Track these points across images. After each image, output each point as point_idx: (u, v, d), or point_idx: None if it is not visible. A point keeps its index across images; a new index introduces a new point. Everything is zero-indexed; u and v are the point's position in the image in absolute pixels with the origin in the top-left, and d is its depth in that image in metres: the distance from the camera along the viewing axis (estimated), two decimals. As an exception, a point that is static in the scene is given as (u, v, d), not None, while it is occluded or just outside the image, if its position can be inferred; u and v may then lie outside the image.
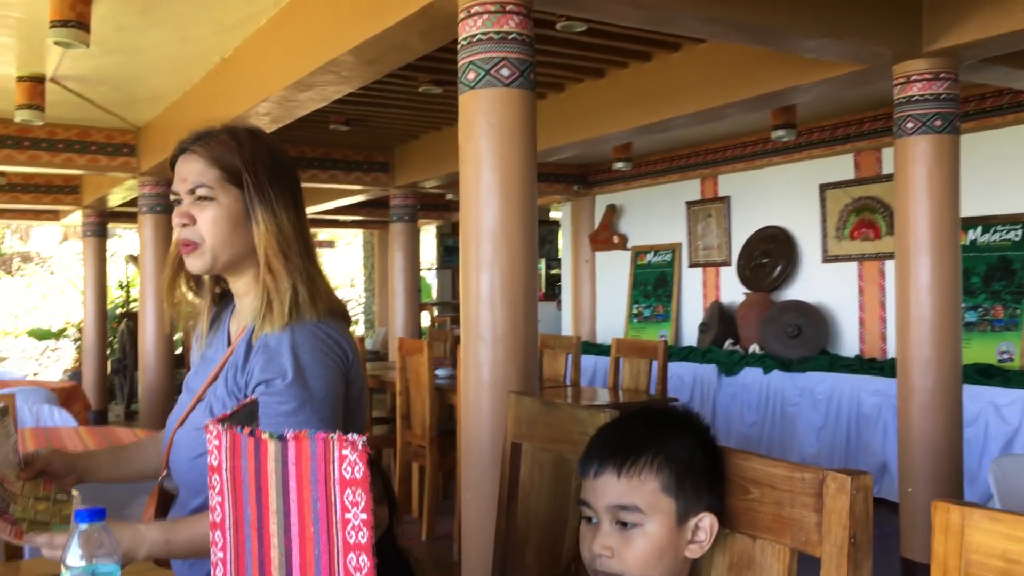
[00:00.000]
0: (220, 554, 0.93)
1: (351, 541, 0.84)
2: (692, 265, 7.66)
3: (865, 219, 6.29)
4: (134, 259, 10.59)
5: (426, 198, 9.74)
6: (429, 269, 13.05)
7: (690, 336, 7.54)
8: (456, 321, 11.02)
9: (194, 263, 1.44)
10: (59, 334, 13.19)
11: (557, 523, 1.79)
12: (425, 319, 11.53)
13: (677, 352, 6.87)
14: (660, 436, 1.22)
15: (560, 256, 10.88)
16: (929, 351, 3.91)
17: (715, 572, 1.25)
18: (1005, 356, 5.38)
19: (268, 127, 4.96)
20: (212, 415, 1.41)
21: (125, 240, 15.66)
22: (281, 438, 0.87)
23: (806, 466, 1.13)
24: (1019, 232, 5.43)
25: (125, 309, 10.86)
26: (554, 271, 11.56)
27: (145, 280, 6.76)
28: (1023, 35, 3.46)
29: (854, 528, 1.06)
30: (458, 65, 2.84)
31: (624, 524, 1.18)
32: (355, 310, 14.43)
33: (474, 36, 2.76)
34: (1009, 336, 5.39)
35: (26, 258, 18.91)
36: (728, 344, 6.80)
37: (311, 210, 9.65)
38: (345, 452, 0.83)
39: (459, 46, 2.83)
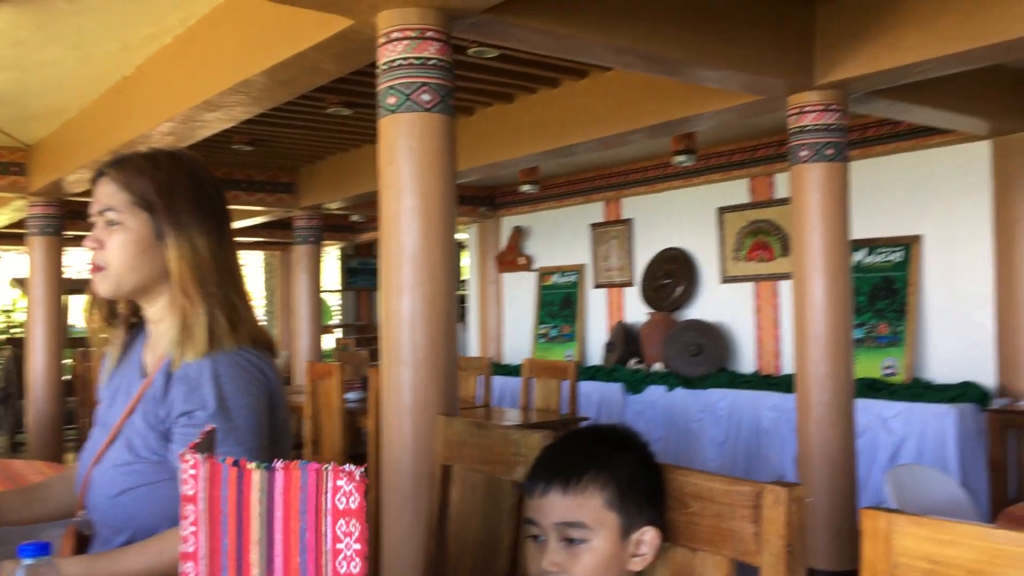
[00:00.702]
0: (190, 586, 0.92)
1: (342, 571, 0.85)
2: (597, 286, 7.83)
3: (760, 241, 6.57)
4: (20, 282, 10.07)
5: (330, 219, 9.63)
6: (332, 291, 12.88)
7: (595, 355, 7.69)
8: (361, 343, 10.90)
9: (98, 286, 1.42)
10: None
11: (491, 544, 1.82)
12: (327, 342, 11.36)
13: (584, 371, 6.99)
14: (603, 454, 1.27)
15: (465, 278, 10.91)
16: (825, 367, 4.12)
17: (657, 585, 1.30)
18: (890, 371, 5.70)
19: (172, 147, 4.84)
20: (131, 450, 1.37)
21: (6, 262, 14.85)
22: (268, 468, 0.87)
23: (744, 480, 1.19)
24: (901, 254, 5.78)
25: (8, 335, 10.30)
26: (459, 292, 11.58)
27: (34, 305, 6.45)
28: (905, 71, 3.71)
29: (790, 537, 1.13)
30: (378, 89, 2.86)
31: (571, 540, 1.22)
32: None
33: (394, 61, 2.79)
34: (893, 352, 5.72)
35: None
36: (633, 363, 6.97)
37: (210, 231, 9.39)
38: (340, 483, 0.84)
39: (379, 71, 2.85)
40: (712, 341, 6.48)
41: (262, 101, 3.91)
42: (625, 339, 7.12)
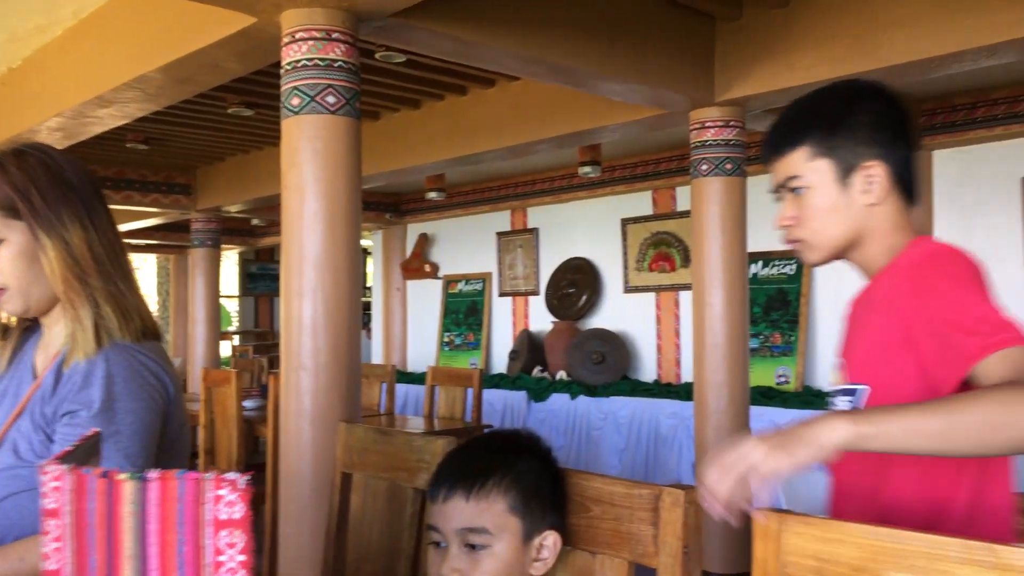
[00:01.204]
0: (55, 604, 0.87)
1: None
2: (502, 294, 7.85)
3: (662, 252, 6.72)
4: None
5: (229, 223, 9.37)
6: (230, 297, 12.53)
7: (500, 364, 7.71)
8: (260, 350, 10.63)
9: (7, 308, 1.35)
10: None
11: (391, 551, 1.79)
12: (225, 348, 11.04)
13: (488, 379, 6.99)
14: (507, 460, 1.26)
15: (370, 284, 10.79)
16: (722, 375, 4.25)
17: (557, 589, 1.30)
18: (783, 379, 5.91)
19: (59, 143, 4.62)
20: (16, 454, 1.31)
21: None
22: (142, 478, 0.83)
23: (643, 483, 1.21)
24: (794, 267, 6.01)
25: None
26: (364, 299, 11.45)
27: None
28: (801, 90, 3.83)
29: (687, 539, 1.15)
30: (282, 90, 2.80)
31: (472, 546, 1.22)
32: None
33: (299, 61, 2.74)
34: (786, 361, 5.93)
35: None
36: (537, 371, 7.02)
37: (102, 232, 9.01)
38: (222, 492, 0.81)
39: (283, 71, 2.79)
40: (615, 350, 6.58)
41: (158, 98, 3.78)
42: (530, 347, 7.16)
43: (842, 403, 1.37)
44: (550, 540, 1.25)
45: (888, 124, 1.36)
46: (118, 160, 6.81)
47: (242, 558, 0.81)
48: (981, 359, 1.12)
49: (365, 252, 11.78)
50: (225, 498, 0.81)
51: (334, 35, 2.73)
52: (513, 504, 1.23)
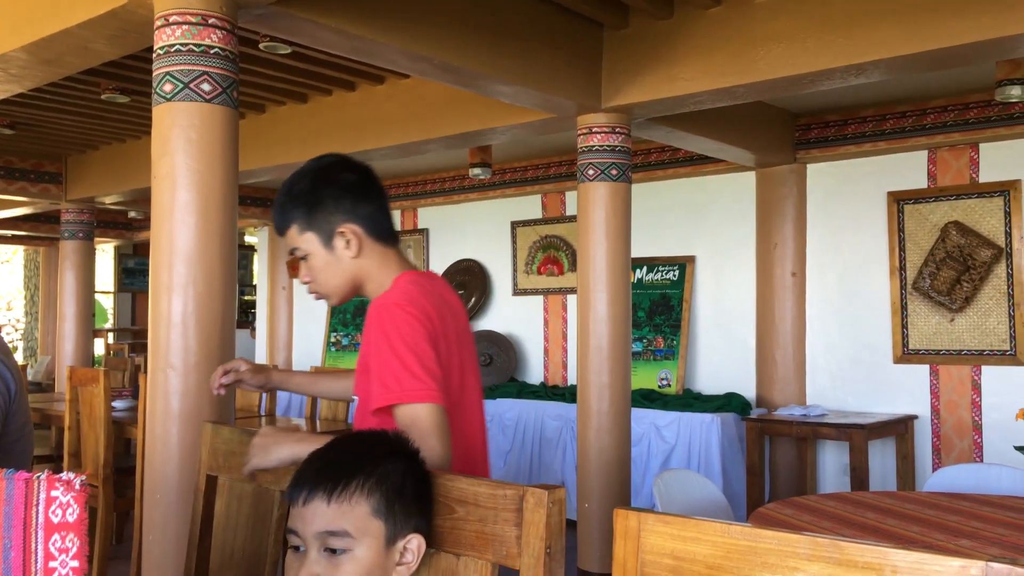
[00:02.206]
0: None
1: None
2: (390, 294, 7.75)
3: (551, 256, 6.78)
4: None
5: (104, 215, 8.95)
6: (105, 292, 11.95)
7: (387, 365, 7.61)
8: (135, 349, 10.17)
9: None
10: None
11: (256, 557, 1.73)
12: (100, 346, 10.52)
13: (374, 381, 6.90)
14: (371, 461, 1.23)
15: (255, 282, 10.50)
16: (605, 377, 4.31)
17: (420, 592, 1.28)
18: (664, 382, 6.06)
19: (-89, 123, 4.29)
20: None
21: None
22: (-44, 478, 0.76)
23: (508, 483, 1.20)
24: (676, 272, 6.17)
25: None
26: (248, 297, 11.12)
27: None
28: (682, 100, 3.97)
29: (550, 539, 1.15)
30: (153, 75, 2.67)
31: (333, 551, 1.18)
32: (12, 336, 12.79)
33: (172, 46, 2.62)
34: (668, 364, 6.08)
35: None
36: (424, 372, 6.96)
37: (-39, 221, 8.45)
38: (55, 493, 0.75)
39: (155, 55, 2.67)
40: (503, 352, 6.60)
41: (22, 80, 3.56)
42: (417, 349, 7.10)
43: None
44: (414, 543, 1.22)
45: (348, 191, 1.68)
46: (-20, 145, 6.39)
47: (75, 564, 0.76)
48: (383, 405, 1.52)
49: (251, 249, 11.44)
50: (59, 500, 0.76)
51: (210, 20, 2.63)
52: (376, 507, 1.19)
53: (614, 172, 4.26)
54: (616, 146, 4.24)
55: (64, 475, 0.74)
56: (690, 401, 5.60)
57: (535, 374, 6.84)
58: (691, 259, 6.11)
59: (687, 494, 2.91)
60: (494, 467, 6.11)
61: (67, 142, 6.44)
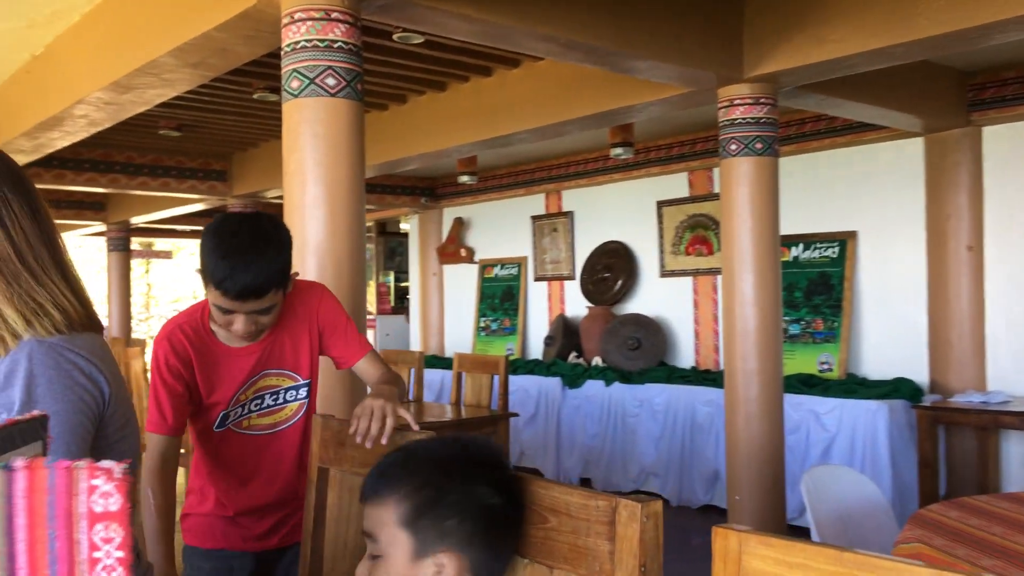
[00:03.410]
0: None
1: None
2: (538, 279, 7.75)
3: (699, 235, 6.54)
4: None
5: (270, 208, 9.42)
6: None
7: (537, 349, 7.62)
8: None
9: None
10: None
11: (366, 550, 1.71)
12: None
13: (523, 365, 6.91)
14: (420, 469, 1.17)
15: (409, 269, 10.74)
16: (753, 363, 4.08)
17: (513, 604, 1.21)
18: (825, 367, 5.71)
19: (87, 130, 4.64)
20: None
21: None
22: (7, 468, 0.75)
23: (601, 493, 1.11)
24: (836, 249, 5.79)
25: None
26: (404, 284, 11.44)
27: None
28: (833, 64, 3.68)
29: (644, 557, 1.05)
30: (282, 72, 2.72)
31: (375, 556, 1.16)
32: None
33: (298, 43, 2.66)
34: (828, 348, 5.72)
35: None
36: (572, 357, 6.91)
37: (143, 219, 9.14)
38: (97, 482, 0.73)
39: (283, 53, 2.72)
40: (651, 335, 6.44)
41: (175, 84, 3.74)
42: (565, 333, 7.05)
43: None
44: (447, 563, 1.12)
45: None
46: (153, 147, 6.85)
47: (120, 554, 0.73)
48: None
49: (404, 236, 11.74)
50: (100, 488, 0.73)
51: (333, 15, 2.64)
52: (404, 518, 1.13)
53: (759, 146, 4.01)
54: (761, 118, 3.99)
55: (104, 463, 0.72)
56: (853, 387, 5.24)
57: (686, 358, 6.63)
58: (852, 234, 5.71)
59: (840, 493, 2.69)
60: (644, 452, 5.98)
61: (230, 141, 6.79)
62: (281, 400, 1.95)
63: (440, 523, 1.13)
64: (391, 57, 4.49)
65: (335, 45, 2.65)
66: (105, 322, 12.54)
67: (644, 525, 1.05)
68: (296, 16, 2.66)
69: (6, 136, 4.86)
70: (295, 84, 2.67)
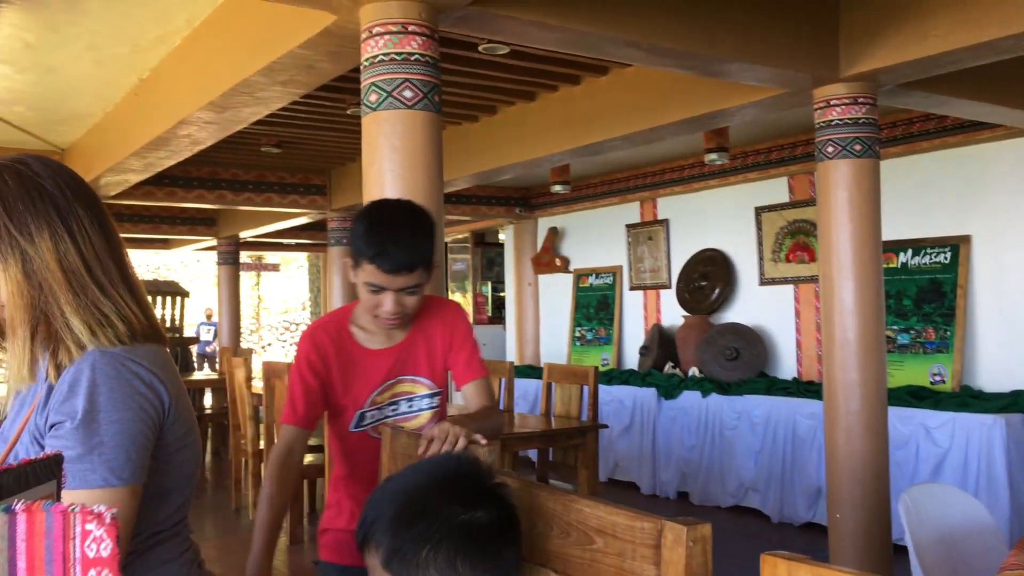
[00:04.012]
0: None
1: None
2: (633, 288, 7.64)
3: (800, 242, 6.32)
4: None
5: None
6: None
7: (632, 359, 7.51)
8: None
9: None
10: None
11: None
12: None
13: (618, 375, 6.82)
14: (390, 506, 1.15)
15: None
16: (854, 374, 3.90)
17: (561, 628, 1.16)
18: (937, 378, 5.41)
19: (190, 149, 4.84)
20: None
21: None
22: (9, 511, 0.76)
23: (646, 515, 1.05)
24: (948, 255, 5.48)
25: None
26: (501, 294, 11.50)
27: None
28: (937, 60, 3.48)
29: (690, 583, 0.99)
30: (361, 86, 2.76)
31: None
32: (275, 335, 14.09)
33: (376, 57, 2.69)
34: (940, 358, 5.42)
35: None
36: (668, 367, 6.77)
37: (250, 233, 9.48)
38: (89, 527, 0.73)
39: (362, 67, 2.76)
40: (750, 345, 6.24)
41: (267, 102, 3.86)
42: (661, 342, 6.92)
43: None
44: None
45: None
46: (257, 164, 7.10)
47: None
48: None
49: (503, 247, 11.81)
50: (93, 533, 0.73)
51: (410, 28, 2.66)
52: (384, 562, 1.12)
53: (857, 148, 3.83)
54: (859, 118, 3.81)
55: (96, 508, 0.71)
56: (968, 400, 4.94)
57: (787, 369, 6.40)
58: (965, 239, 5.40)
59: (943, 514, 2.52)
60: (744, 467, 5.79)
61: (327, 156, 6.98)
62: (416, 408, 2.00)
63: (416, 556, 1.09)
64: (478, 68, 4.51)
65: (412, 58, 2.67)
66: (212, 335, 13.04)
67: (691, 550, 0.99)
68: (374, 31, 2.69)
69: (118, 156, 5.12)
70: (373, 97, 2.70)
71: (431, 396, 1.99)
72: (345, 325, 1.96)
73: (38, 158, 1.36)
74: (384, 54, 2.67)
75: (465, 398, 2.04)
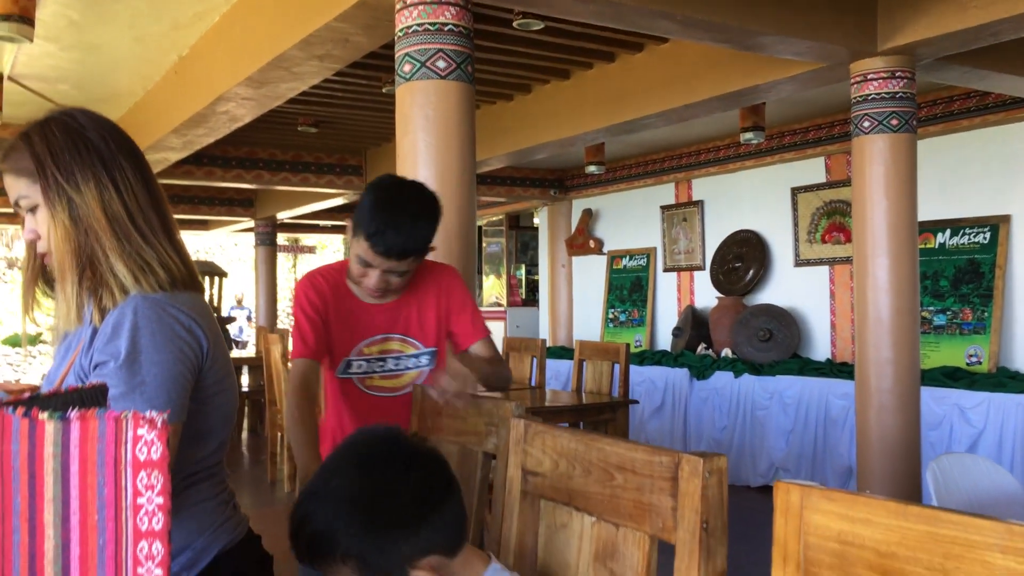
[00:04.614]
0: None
1: (143, 528, 0.78)
2: (667, 269, 7.62)
3: (836, 222, 6.26)
4: None
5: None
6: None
7: (665, 340, 7.50)
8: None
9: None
10: (35, 340, 13.10)
11: (460, 518, 1.74)
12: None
13: (650, 356, 6.82)
14: (339, 518, 1.10)
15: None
16: (887, 352, 3.87)
17: (582, 563, 1.20)
18: (974, 359, 5.35)
19: (228, 126, 4.92)
20: None
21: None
22: (63, 418, 0.81)
23: (664, 449, 1.08)
24: (987, 235, 5.40)
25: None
26: (534, 277, 11.52)
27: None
28: (977, 32, 3.43)
29: (706, 513, 1.02)
30: (395, 57, 2.80)
31: None
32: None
33: (410, 28, 2.72)
34: (977, 339, 5.36)
35: (11, 264, 18.85)
36: (701, 348, 6.76)
37: (287, 214, 9.59)
38: (141, 432, 0.77)
39: (396, 38, 2.79)
40: (784, 327, 6.21)
41: (304, 77, 3.91)
42: (694, 324, 6.90)
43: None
44: (424, 570, 1.10)
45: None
46: (293, 144, 7.19)
47: (160, 500, 0.78)
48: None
49: (537, 230, 11.82)
50: (144, 438, 0.78)
51: (444, -2, 2.69)
52: (359, 570, 1.10)
53: (894, 122, 3.79)
54: (896, 92, 3.77)
55: (148, 413, 0.76)
56: (1004, 380, 4.88)
57: (821, 350, 6.36)
58: (1005, 219, 5.31)
59: (971, 484, 2.51)
60: (774, 447, 5.78)
61: (364, 136, 7.04)
62: (402, 366, 2.05)
63: (394, 552, 1.09)
64: (512, 45, 4.53)
65: (446, 28, 2.70)
66: (252, 313, 13.22)
67: (707, 481, 1.02)
68: (408, 1, 2.72)
69: (159, 134, 5.22)
70: (407, 68, 2.74)
71: (417, 356, 2.05)
72: (342, 279, 2.01)
73: (84, 111, 1.41)
74: (418, 24, 2.70)
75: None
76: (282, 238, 12.32)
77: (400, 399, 2.04)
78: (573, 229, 8.56)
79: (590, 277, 8.40)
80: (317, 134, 6.64)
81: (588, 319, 8.41)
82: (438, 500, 1.13)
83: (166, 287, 1.33)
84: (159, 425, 0.77)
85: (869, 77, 3.80)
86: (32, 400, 0.90)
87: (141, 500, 0.77)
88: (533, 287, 11.34)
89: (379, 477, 1.12)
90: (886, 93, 3.79)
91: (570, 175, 8.47)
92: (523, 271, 11.19)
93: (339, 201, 8.60)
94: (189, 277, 1.39)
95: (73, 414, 0.80)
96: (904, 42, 3.62)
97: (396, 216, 1.83)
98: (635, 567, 1.11)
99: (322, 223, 11.17)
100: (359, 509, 1.10)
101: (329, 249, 18.51)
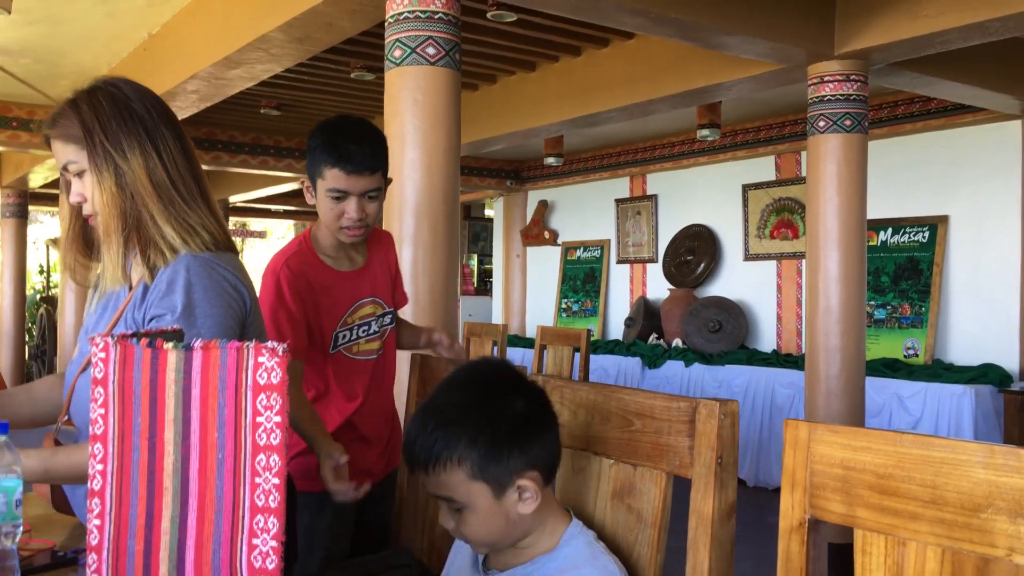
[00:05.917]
0: (99, 466, 0.94)
1: (261, 443, 0.86)
2: (620, 261, 7.82)
3: (784, 219, 6.51)
4: (56, 243, 10.32)
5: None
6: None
7: (617, 330, 7.70)
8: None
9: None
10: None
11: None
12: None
13: (603, 345, 7.01)
14: (456, 430, 1.19)
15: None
16: (836, 340, 4.10)
17: (599, 501, 1.33)
18: (911, 352, 5.64)
19: (196, 105, 4.92)
20: None
21: (46, 226, 15.23)
22: (187, 348, 0.90)
23: (682, 397, 1.22)
24: (926, 234, 5.70)
25: (45, 294, 10.57)
26: (487, 266, 11.64)
27: (66, 261, 6.60)
28: (928, 40, 3.66)
29: (721, 450, 1.15)
30: (385, 42, 2.89)
31: (457, 508, 1.21)
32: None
33: (401, 14, 2.82)
34: (915, 332, 5.65)
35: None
36: (652, 338, 6.96)
37: (240, 198, 9.54)
38: (262, 359, 0.86)
39: (386, 23, 2.88)
40: (732, 318, 6.45)
41: (281, 59, 3.96)
42: (646, 314, 7.11)
43: None
44: (527, 483, 1.20)
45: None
46: (254, 126, 7.18)
47: (278, 419, 0.87)
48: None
49: (490, 221, 11.94)
50: (264, 364, 0.87)
51: (435, -14, 2.79)
52: (471, 473, 1.18)
53: (848, 123, 4.02)
54: (851, 95, 3.99)
55: (269, 343, 0.86)
56: (939, 371, 5.18)
57: (767, 342, 6.62)
58: (943, 219, 5.62)
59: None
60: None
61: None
62: (378, 327, 2.07)
63: (506, 461, 1.19)
64: (484, 36, 4.63)
65: (436, 16, 2.80)
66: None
67: (722, 422, 1.15)
68: (399, -11, 2.82)
69: (124, 111, 5.18)
70: (398, 53, 2.83)
71: (384, 316, 2.08)
72: (312, 252, 1.97)
73: (127, 81, 1.50)
74: (409, 11, 2.80)
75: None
76: (232, 221, 12.20)
77: (381, 359, 2.10)
78: (528, 220, 8.70)
79: (544, 267, 8.56)
80: (279, 117, 6.65)
81: (542, 309, 8.57)
82: (546, 424, 1.25)
83: (211, 247, 1.42)
84: (280, 354, 0.87)
85: (825, 79, 4.02)
86: (148, 334, 0.98)
87: (260, 419, 0.87)
88: (485, 276, 11.45)
89: (499, 394, 1.23)
90: (841, 95, 4.00)
91: (527, 166, 8.61)
92: (475, 260, 11.30)
93: (292, 186, 8.60)
94: (226, 240, 1.49)
95: (197, 343, 0.90)
96: (859, 47, 3.83)
97: (353, 135, 1.88)
98: (652, 501, 1.25)
99: (274, 207, 11.12)
100: (483, 419, 1.20)
101: (276, 234, 18.37)
